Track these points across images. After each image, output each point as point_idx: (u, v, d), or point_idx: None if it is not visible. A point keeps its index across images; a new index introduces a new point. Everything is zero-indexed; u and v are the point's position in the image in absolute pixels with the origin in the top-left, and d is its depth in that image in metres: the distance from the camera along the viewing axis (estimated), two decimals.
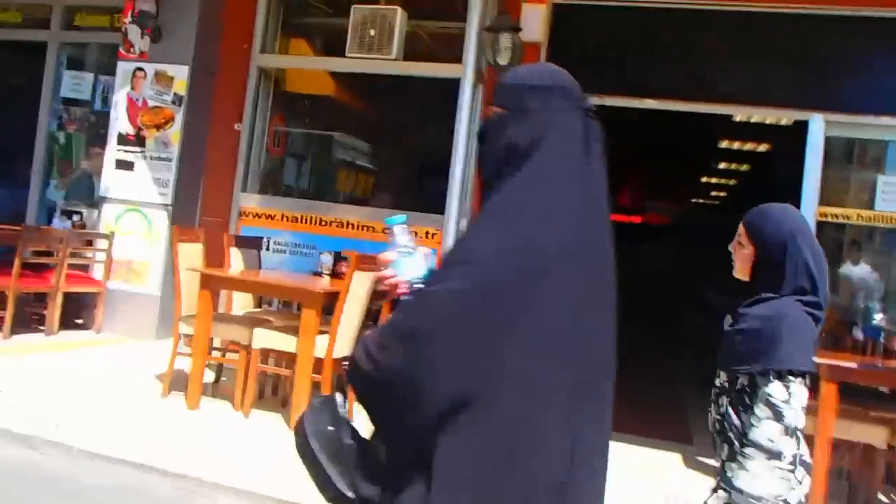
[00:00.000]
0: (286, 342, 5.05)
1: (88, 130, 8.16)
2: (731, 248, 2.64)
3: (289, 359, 5.19)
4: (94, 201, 7.83)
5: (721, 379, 2.46)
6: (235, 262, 6.11)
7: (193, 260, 5.62)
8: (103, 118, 8.05)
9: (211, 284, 5.13)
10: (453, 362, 1.37)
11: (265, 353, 5.27)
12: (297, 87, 7.71)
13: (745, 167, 14.23)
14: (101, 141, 7.90)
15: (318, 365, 4.95)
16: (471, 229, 1.59)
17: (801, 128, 6.05)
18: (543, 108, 1.57)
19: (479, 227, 1.51)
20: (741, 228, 2.59)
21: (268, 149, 7.41)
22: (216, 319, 5.28)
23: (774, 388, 2.23)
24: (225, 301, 6.06)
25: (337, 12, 7.35)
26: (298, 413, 4.73)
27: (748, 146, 12.22)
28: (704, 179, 16.22)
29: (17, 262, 6.36)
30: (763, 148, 12.12)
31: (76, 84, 8.17)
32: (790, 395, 2.22)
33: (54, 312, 6.69)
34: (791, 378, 2.23)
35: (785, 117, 6.02)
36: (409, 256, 1.68)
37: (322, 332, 4.98)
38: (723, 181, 16.39)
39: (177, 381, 5.48)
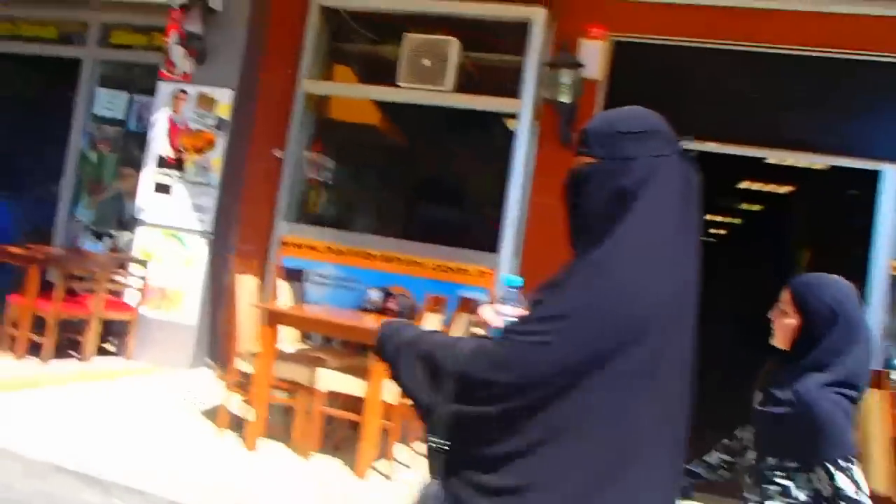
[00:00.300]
0: (353, 385, 4.86)
1: (121, 150, 7.96)
2: (771, 315, 2.55)
3: (345, 399, 5.00)
4: (124, 223, 7.63)
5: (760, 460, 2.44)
6: (283, 295, 5.94)
7: (249, 293, 5.43)
8: (136, 139, 7.87)
9: (277, 321, 4.94)
10: (540, 413, 1.42)
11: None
12: (340, 114, 7.54)
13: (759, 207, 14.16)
14: (134, 162, 7.71)
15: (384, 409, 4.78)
16: (568, 281, 1.50)
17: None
18: (642, 154, 1.55)
19: (578, 280, 1.50)
20: (786, 296, 2.49)
21: (309, 177, 7.22)
22: (277, 358, 5.09)
23: (842, 482, 2.19)
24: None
25: (382, 39, 7.22)
26: (365, 460, 4.58)
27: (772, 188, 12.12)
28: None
29: (59, 287, 6.14)
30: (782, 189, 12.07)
31: (110, 103, 7.98)
32: (857, 483, 2.20)
33: (91, 339, 6.45)
34: (846, 464, 2.20)
35: (859, 165, 5.91)
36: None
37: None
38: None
39: (212, 413, 5.33)
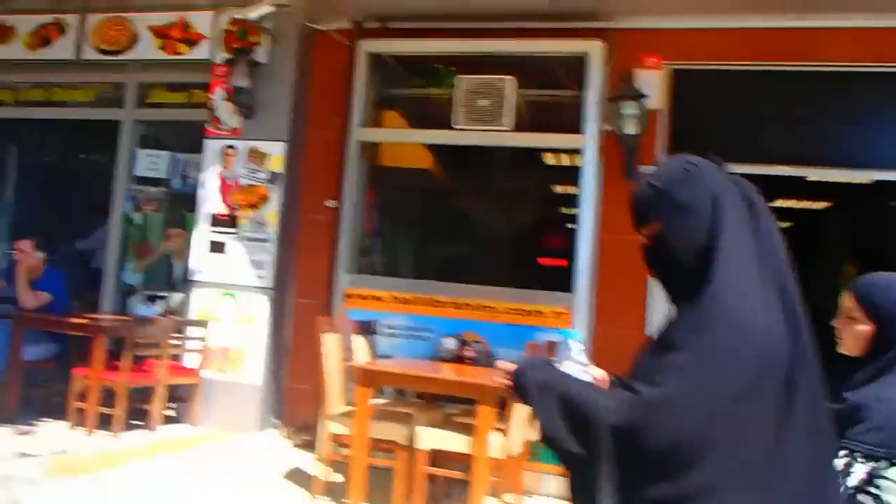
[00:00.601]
0: (457, 442, 4.67)
1: (166, 211, 7.81)
2: (837, 324, 2.41)
3: (443, 454, 4.81)
4: (174, 284, 7.46)
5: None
6: (359, 349, 5.76)
7: (332, 350, 5.26)
8: (181, 198, 7.74)
9: (372, 380, 4.76)
10: (703, 459, 1.45)
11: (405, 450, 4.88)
12: (390, 160, 7.40)
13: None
14: (180, 221, 7.57)
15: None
16: (687, 335, 1.54)
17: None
18: (699, 199, 1.60)
19: (698, 330, 1.52)
20: (851, 302, 2.35)
21: (366, 226, 7.06)
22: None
23: None
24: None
25: (428, 82, 7.12)
26: None
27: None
28: None
29: (127, 356, 5.95)
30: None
31: (152, 163, 7.83)
32: None
33: (158, 407, 6.25)
34: None
35: None
36: (582, 375, 1.69)
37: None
38: None
39: (300, 478, 5.17)
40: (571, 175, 6.62)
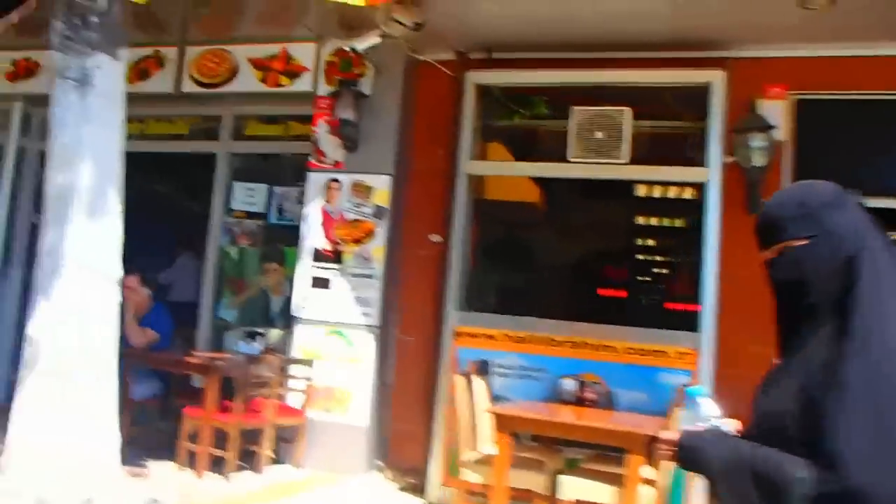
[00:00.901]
0: (603, 493, 4.41)
1: (263, 245, 7.69)
2: None
3: None
4: (272, 321, 7.32)
5: None
6: (481, 391, 5.53)
7: (463, 393, 5.05)
8: (279, 232, 7.63)
9: (512, 426, 4.53)
10: None
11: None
12: (495, 193, 7.20)
13: None
14: (277, 256, 7.44)
15: None
16: (841, 363, 1.50)
17: None
18: (846, 219, 1.62)
19: (854, 358, 1.49)
20: None
21: (472, 261, 6.85)
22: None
23: None
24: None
25: (534, 113, 6.93)
26: None
27: None
28: None
29: (240, 396, 5.80)
30: None
31: (249, 196, 7.73)
32: None
33: (266, 449, 6.07)
34: None
35: None
36: (719, 428, 1.68)
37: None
38: None
39: None
40: (684, 208, 6.38)
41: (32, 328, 4.64)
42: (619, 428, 4.46)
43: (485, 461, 4.70)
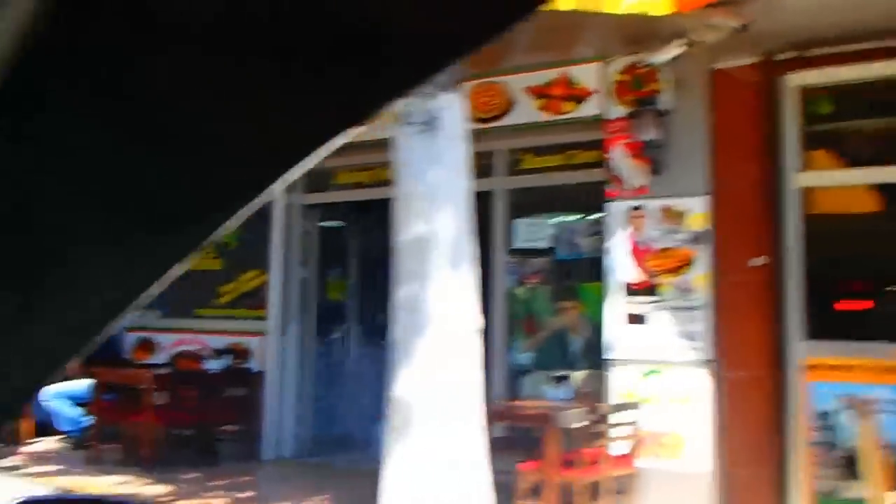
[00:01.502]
0: None
1: (552, 282, 7.26)
2: None
3: None
4: (572, 362, 6.85)
5: None
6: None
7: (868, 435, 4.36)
8: (568, 267, 7.18)
9: None
10: None
11: None
12: (828, 206, 6.45)
13: None
14: (572, 293, 6.99)
15: None
16: None
17: None
18: None
19: None
20: None
21: (808, 284, 6.12)
22: None
23: None
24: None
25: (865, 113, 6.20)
26: None
27: None
28: None
29: (584, 449, 5.34)
30: None
31: (532, 232, 7.33)
32: None
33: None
34: None
35: None
36: None
37: None
38: None
39: None
40: None
41: (399, 389, 4.34)
42: None
43: None
